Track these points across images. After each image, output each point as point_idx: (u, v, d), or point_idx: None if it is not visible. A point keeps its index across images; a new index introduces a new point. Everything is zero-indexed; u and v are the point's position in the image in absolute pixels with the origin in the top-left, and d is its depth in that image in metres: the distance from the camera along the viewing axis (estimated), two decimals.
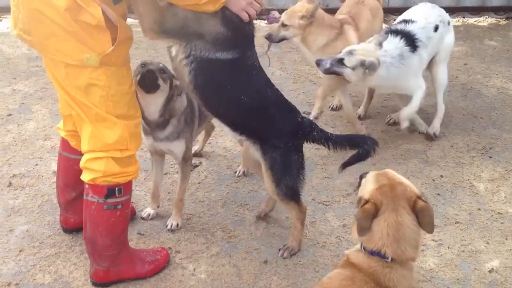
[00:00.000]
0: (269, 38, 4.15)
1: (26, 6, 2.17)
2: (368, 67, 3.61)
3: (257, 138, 2.69)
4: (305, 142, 2.84)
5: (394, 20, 6.96)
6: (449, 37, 4.31)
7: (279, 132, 2.70)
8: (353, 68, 3.65)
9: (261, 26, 6.57)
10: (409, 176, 3.79)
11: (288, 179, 2.71)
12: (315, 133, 2.80)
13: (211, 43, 2.37)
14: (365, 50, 3.71)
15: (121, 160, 2.41)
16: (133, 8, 2.36)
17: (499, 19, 7.19)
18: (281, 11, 6.64)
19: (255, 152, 2.74)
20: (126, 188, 2.49)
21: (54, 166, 3.57)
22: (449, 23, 4.32)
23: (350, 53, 3.67)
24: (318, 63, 3.75)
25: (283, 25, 4.08)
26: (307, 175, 3.65)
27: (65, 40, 2.17)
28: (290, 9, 4.16)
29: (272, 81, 4.92)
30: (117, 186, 2.44)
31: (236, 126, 2.70)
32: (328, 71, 3.75)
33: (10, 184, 3.40)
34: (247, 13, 2.40)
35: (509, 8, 7.10)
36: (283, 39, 4.16)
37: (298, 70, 5.44)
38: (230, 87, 2.54)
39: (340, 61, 3.67)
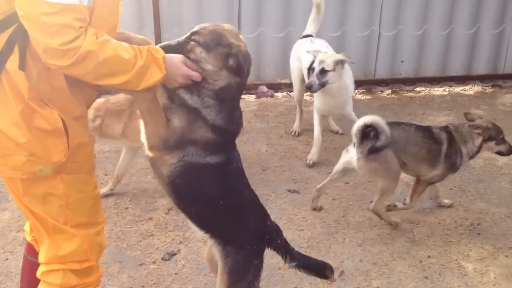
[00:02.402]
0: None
1: None
2: (342, 62, 4.62)
3: (223, 239, 2.55)
4: (266, 248, 2.70)
5: (381, 91, 7.09)
6: None
7: (249, 234, 2.58)
8: (334, 69, 4.56)
9: (250, 101, 6.65)
10: (395, 257, 3.67)
11: (244, 285, 2.56)
12: (279, 241, 2.69)
13: (201, 148, 2.32)
14: (328, 54, 4.80)
15: (79, 272, 2.31)
16: (141, 128, 2.32)
17: (485, 87, 7.26)
18: (269, 85, 6.82)
19: (217, 253, 2.58)
20: None
21: None
22: None
23: (322, 61, 4.57)
24: (309, 86, 4.62)
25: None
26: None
27: (15, 154, 2.06)
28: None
29: (258, 158, 5.07)
30: None
31: (205, 224, 2.57)
32: (320, 86, 4.58)
33: None
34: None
35: (494, 76, 7.19)
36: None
37: (284, 145, 5.42)
38: (212, 190, 2.46)
39: (322, 71, 4.54)
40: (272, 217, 2.75)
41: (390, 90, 7.08)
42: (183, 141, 2.29)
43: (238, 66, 2.20)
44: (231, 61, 2.19)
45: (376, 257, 3.68)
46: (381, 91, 7.09)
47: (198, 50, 2.21)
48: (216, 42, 2.20)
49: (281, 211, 4.16)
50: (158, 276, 3.39)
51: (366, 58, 6.84)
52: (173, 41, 2.31)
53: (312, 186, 4.60)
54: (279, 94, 6.90)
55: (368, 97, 6.97)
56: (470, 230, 4.00)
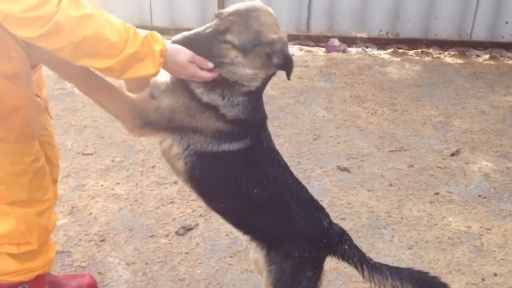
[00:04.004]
0: None
1: None
2: None
3: (266, 241, 2.13)
4: (329, 256, 2.20)
5: (477, 56, 6.07)
6: None
7: (296, 236, 2.11)
8: None
9: (318, 55, 5.94)
10: (452, 270, 3.01)
11: None
12: (346, 247, 2.16)
13: (212, 137, 1.96)
14: None
15: (18, 256, 2.01)
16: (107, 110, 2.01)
17: None
18: (342, 39, 6.04)
19: (260, 259, 2.16)
20: (34, 285, 2.09)
21: None
22: None
23: None
24: None
25: None
26: None
27: None
28: None
29: (312, 125, 4.46)
30: (20, 285, 2.05)
31: (241, 224, 2.17)
32: None
33: None
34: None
35: None
36: None
37: (346, 112, 4.73)
38: (241, 180, 2.05)
39: None
40: None
41: (488, 55, 6.06)
42: (178, 126, 1.95)
43: (284, 61, 1.86)
44: (275, 60, 1.86)
45: (428, 266, 3.03)
46: (477, 56, 6.09)
47: (233, 54, 1.85)
48: (255, 43, 1.84)
49: (323, 191, 3.58)
50: (166, 253, 2.99)
51: (461, 15, 5.89)
52: (195, 33, 1.87)
53: (368, 165, 3.96)
54: (352, 50, 6.11)
55: (459, 61, 5.99)
56: None
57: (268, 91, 2.13)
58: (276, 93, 4.92)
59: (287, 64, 1.87)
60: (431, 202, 3.60)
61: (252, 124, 2.03)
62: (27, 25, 1.56)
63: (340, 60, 5.79)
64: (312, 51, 6.04)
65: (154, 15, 5.95)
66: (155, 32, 1.78)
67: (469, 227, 3.38)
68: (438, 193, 3.70)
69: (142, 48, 1.71)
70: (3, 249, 1.99)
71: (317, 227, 2.14)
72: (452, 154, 4.18)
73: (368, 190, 3.68)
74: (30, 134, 1.95)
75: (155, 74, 1.78)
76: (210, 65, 1.84)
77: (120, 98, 1.94)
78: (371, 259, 2.19)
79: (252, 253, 2.32)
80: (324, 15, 5.92)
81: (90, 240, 3.01)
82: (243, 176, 2.04)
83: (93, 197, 3.38)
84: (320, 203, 2.24)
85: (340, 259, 2.19)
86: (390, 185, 3.76)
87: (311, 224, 2.13)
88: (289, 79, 1.92)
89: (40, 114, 2.02)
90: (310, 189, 2.27)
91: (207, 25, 1.88)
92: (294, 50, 6.00)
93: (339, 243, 2.15)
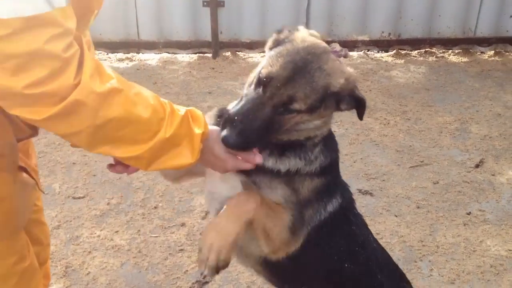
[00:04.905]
0: None
1: None
2: None
3: None
4: None
5: (482, 52, 5.77)
6: None
7: None
8: None
9: None
10: None
11: None
12: None
13: (318, 201, 1.72)
14: None
15: None
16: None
17: None
18: (342, 43, 5.68)
19: None
20: None
21: None
22: None
23: None
24: None
25: None
26: None
27: None
28: None
29: None
30: None
31: None
32: None
33: None
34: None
35: None
36: None
37: (357, 125, 4.37)
38: (328, 252, 1.78)
39: None
40: None
41: (493, 51, 5.79)
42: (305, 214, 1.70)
43: (354, 104, 1.61)
44: (343, 107, 1.61)
45: None
46: (481, 52, 5.79)
47: (299, 117, 1.57)
48: (323, 97, 1.55)
49: None
50: None
51: (465, 11, 5.60)
52: (246, 115, 1.48)
53: (390, 186, 3.61)
54: (354, 54, 5.77)
55: (464, 59, 5.70)
56: None
57: None
58: None
59: (357, 107, 1.62)
60: (464, 224, 3.28)
61: (335, 164, 1.78)
62: (33, 104, 1.17)
63: None
64: None
65: (141, 28, 5.49)
66: (194, 109, 1.41)
67: (510, 250, 3.06)
68: (470, 212, 3.38)
69: (180, 130, 1.34)
70: None
71: None
72: (477, 166, 3.87)
73: (396, 216, 3.33)
74: (14, 227, 1.56)
75: (190, 165, 1.40)
76: (259, 160, 1.54)
77: (281, 216, 1.64)
78: None
79: None
80: (323, 18, 5.55)
81: None
82: (330, 247, 1.76)
83: (89, 252, 2.94)
84: None
85: None
86: (418, 207, 3.41)
87: None
88: (361, 119, 1.65)
89: (29, 196, 1.61)
90: None
91: (251, 96, 1.52)
92: None
93: None
